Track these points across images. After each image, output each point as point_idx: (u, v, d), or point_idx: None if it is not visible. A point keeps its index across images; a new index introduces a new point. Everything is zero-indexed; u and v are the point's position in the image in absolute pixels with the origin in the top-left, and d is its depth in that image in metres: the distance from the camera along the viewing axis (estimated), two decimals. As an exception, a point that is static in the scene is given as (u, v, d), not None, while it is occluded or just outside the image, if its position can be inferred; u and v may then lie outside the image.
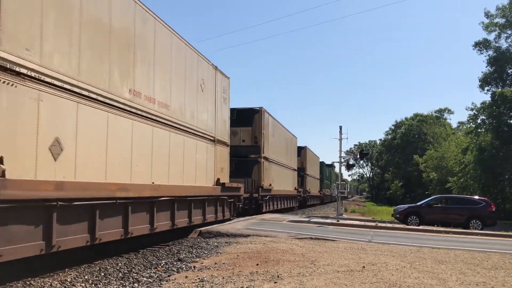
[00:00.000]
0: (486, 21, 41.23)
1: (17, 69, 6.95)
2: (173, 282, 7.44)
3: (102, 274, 8.18)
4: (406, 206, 25.61)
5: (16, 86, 6.97)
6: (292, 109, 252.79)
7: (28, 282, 7.30)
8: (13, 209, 6.84)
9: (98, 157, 9.10)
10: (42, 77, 7.48)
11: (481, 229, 20.63)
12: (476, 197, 26.01)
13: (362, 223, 21.50)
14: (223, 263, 9.18)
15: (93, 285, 7.36)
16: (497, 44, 41.37)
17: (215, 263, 9.21)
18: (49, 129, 7.68)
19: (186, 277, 7.83)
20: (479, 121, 40.38)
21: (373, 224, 20.77)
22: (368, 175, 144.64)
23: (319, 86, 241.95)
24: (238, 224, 16.99)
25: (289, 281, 7.42)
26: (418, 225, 21.03)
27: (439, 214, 22.17)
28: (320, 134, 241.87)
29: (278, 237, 13.81)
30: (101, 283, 7.48)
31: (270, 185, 26.38)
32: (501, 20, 40.60)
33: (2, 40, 6.69)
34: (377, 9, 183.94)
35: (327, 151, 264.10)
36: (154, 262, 9.53)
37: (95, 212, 8.92)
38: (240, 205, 20.40)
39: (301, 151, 41.06)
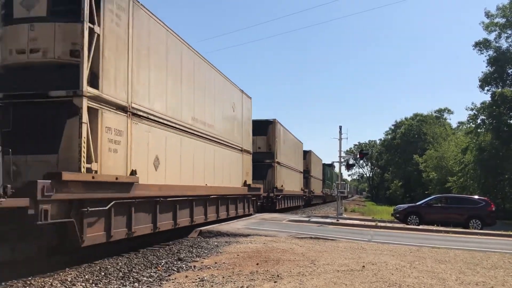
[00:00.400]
0: (486, 21, 41.25)
1: (139, 113, 10.85)
2: (173, 282, 7.46)
3: (103, 273, 8.20)
4: (406, 205, 25.62)
5: (138, 124, 10.81)
6: (291, 108, 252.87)
7: (28, 282, 7.31)
8: (139, 203, 10.79)
9: (176, 167, 13.06)
10: (150, 116, 11.44)
11: (480, 229, 20.63)
12: (476, 196, 26.01)
13: (362, 222, 21.51)
14: (223, 263, 9.20)
15: (93, 284, 7.37)
16: (497, 44, 41.41)
17: (215, 263, 9.23)
18: (153, 150, 11.59)
19: (187, 276, 7.85)
20: (479, 121, 40.39)
21: (373, 223, 20.78)
22: (368, 175, 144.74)
23: (319, 85, 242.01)
24: (238, 224, 17.01)
25: (289, 280, 7.43)
26: (418, 225, 21.04)
27: (439, 213, 22.18)
28: (319, 134, 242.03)
29: (278, 237, 13.83)
30: (101, 283, 7.49)
31: (282, 186, 29.64)
32: (501, 20, 40.61)
33: (134, 97, 10.63)
34: (377, 8, 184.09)
35: (326, 150, 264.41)
36: (154, 262, 9.55)
37: (176, 205, 12.98)
38: (260, 203, 24.78)
39: (306, 154, 44.27)
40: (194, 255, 10.54)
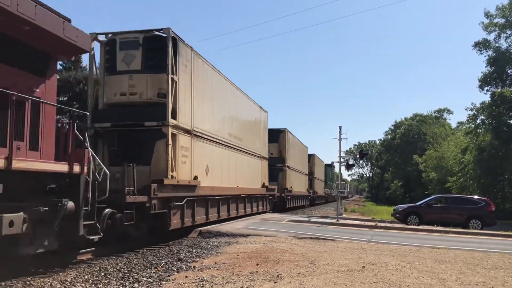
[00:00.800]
0: (486, 21, 41.24)
1: (197, 133, 14.71)
2: (173, 282, 7.45)
3: (102, 274, 8.18)
4: (405, 205, 25.63)
5: (196, 142, 14.58)
6: (291, 108, 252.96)
7: (28, 282, 7.30)
8: (199, 200, 14.79)
9: (218, 172, 17.09)
10: (203, 135, 15.33)
11: (480, 229, 20.64)
12: (476, 197, 26.02)
13: (362, 222, 21.50)
14: (223, 263, 9.19)
15: (93, 285, 7.37)
16: (496, 44, 41.38)
17: (215, 263, 9.22)
18: (205, 160, 15.52)
19: (186, 277, 7.84)
20: (478, 121, 40.40)
21: (373, 223, 20.77)
22: (367, 175, 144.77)
23: (318, 85, 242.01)
24: (238, 224, 17.01)
25: (289, 281, 7.42)
26: (418, 225, 21.04)
27: (439, 213, 22.18)
28: (319, 134, 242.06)
29: (278, 237, 13.82)
30: (101, 283, 7.48)
31: (291, 187, 33.24)
32: (501, 20, 40.59)
33: (194, 123, 14.34)
34: (377, 9, 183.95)
35: (326, 150, 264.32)
36: (154, 262, 9.54)
37: (219, 202, 17.27)
38: (273, 201, 28.79)
39: (311, 157, 47.84)
40: (194, 255, 10.53)
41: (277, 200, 30.18)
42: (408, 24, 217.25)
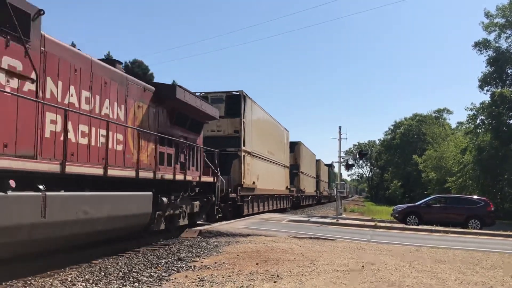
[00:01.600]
0: (486, 21, 41.24)
1: (253, 153, 22.75)
2: (173, 282, 7.47)
3: (103, 273, 8.20)
4: (405, 205, 25.66)
5: (252, 159, 22.59)
6: (291, 108, 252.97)
7: (28, 282, 7.32)
8: (255, 197, 23.91)
9: (263, 178, 24.76)
10: (255, 154, 23.28)
11: (480, 229, 20.66)
12: (475, 196, 26.05)
13: (362, 222, 21.53)
14: (223, 263, 9.21)
15: (93, 284, 7.38)
16: (497, 44, 41.36)
17: (215, 263, 9.24)
18: (256, 170, 23.53)
19: (186, 276, 7.86)
20: (478, 121, 40.38)
21: (372, 223, 20.79)
22: (367, 175, 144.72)
23: (318, 86, 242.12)
24: (238, 224, 17.02)
25: (289, 280, 7.45)
26: (417, 225, 21.07)
27: (438, 213, 22.21)
28: (319, 134, 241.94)
29: (278, 237, 13.84)
30: (101, 283, 7.50)
31: (304, 188, 41.82)
32: (501, 20, 40.58)
33: (252, 147, 22.47)
34: (376, 8, 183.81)
35: (325, 151, 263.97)
36: (154, 262, 9.55)
37: (264, 199, 26.43)
38: (292, 200, 37.48)
39: (317, 162, 53.68)
40: (194, 255, 10.54)
41: (295, 199, 37.98)
42: (408, 24, 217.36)
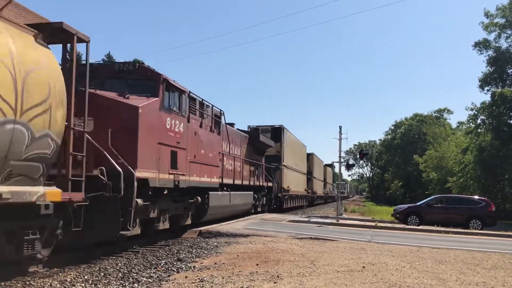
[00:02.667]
0: (486, 21, 41.21)
1: (287, 166, 31.56)
2: (173, 282, 7.44)
3: (102, 274, 8.17)
4: (406, 206, 25.64)
5: (287, 170, 31.19)
6: (291, 107, 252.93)
7: (28, 282, 7.29)
8: (289, 196, 33.03)
9: (293, 184, 33.32)
10: (288, 166, 31.76)
11: (481, 229, 20.63)
12: (476, 197, 26.01)
13: (362, 223, 21.50)
14: (223, 263, 9.18)
15: (93, 285, 7.35)
16: (497, 44, 41.33)
17: (215, 263, 9.21)
18: (288, 178, 31.56)
19: (186, 277, 7.83)
20: (479, 121, 40.34)
21: (373, 224, 20.76)
22: (368, 175, 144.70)
23: (318, 86, 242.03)
24: (238, 224, 16.97)
25: (289, 281, 7.41)
26: (418, 225, 21.03)
27: (439, 214, 22.17)
28: (319, 134, 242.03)
29: (278, 237, 13.80)
30: (101, 283, 7.47)
31: (316, 190, 49.04)
32: (501, 20, 40.55)
33: (286, 161, 30.79)
34: (377, 9, 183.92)
35: (326, 150, 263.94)
36: (154, 262, 9.51)
37: (294, 198, 35.74)
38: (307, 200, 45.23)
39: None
40: (194, 255, 10.50)
41: (310, 198, 45.91)
42: (408, 25, 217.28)
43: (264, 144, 24.79)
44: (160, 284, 7.38)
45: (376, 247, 12.27)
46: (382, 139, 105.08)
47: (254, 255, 10.14)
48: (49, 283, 7.25)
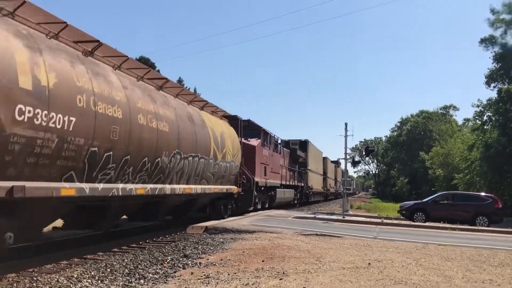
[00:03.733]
0: (492, 17, 40.89)
1: (311, 170, 39.92)
2: (178, 279, 7.46)
3: (108, 270, 8.20)
4: (412, 202, 25.55)
5: (310, 173, 39.42)
6: (297, 105, 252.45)
7: (35, 278, 7.34)
8: (313, 193, 42.58)
9: (315, 183, 43.17)
10: (311, 170, 39.64)
11: (487, 226, 20.53)
12: (483, 193, 25.89)
13: (368, 219, 21.45)
14: (229, 260, 9.19)
15: (99, 281, 7.38)
16: (503, 41, 40.90)
17: (221, 259, 9.23)
18: (312, 179, 40.41)
19: (192, 273, 7.85)
20: (485, 117, 40.09)
21: (379, 220, 20.71)
22: (373, 172, 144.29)
23: (324, 83, 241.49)
24: (243, 221, 16.99)
25: (295, 277, 7.41)
26: (424, 222, 20.97)
27: (445, 210, 22.09)
28: (325, 131, 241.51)
29: (284, 234, 13.80)
30: (107, 279, 7.50)
31: (329, 187, 56.32)
32: (507, 17, 40.19)
33: (310, 166, 38.71)
34: (382, 5, 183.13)
35: (331, 147, 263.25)
36: (160, 258, 9.54)
37: (315, 195, 44.78)
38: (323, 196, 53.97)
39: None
40: (200, 251, 10.53)
41: (325, 194, 53.95)
42: (413, 22, 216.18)
43: (298, 156, 34.56)
44: (166, 280, 7.41)
45: (382, 244, 12.25)
46: (388, 136, 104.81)
47: (259, 252, 10.15)
48: (56, 279, 7.30)
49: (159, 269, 8.41)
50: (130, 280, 7.46)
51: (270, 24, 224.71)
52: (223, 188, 16.79)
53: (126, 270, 8.23)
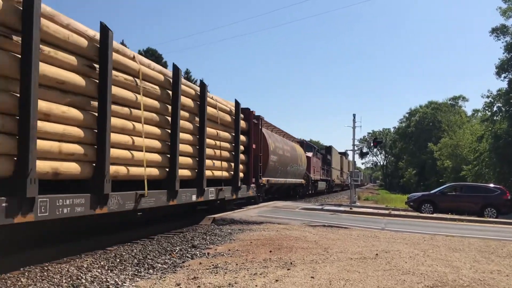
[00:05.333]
0: (504, 6, 40.46)
1: (333, 168, 53.42)
2: (187, 268, 7.53)
3: (118, 260, 8.30)
4: (420, 194, 25.49)
5: (332, 169, 52.24)
6: (305, 97, 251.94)
7: (46, 268, 7.45)
8: (334, 184, 57.29)
9: (335, 177, 55.08)
10: (333, 167, 53.08)
11: (496, 217, 20.47)
12: (491, 185, 25.78)
13: (376, 210, 21.45)
14: (237, 250, 9.25)
15: (108, 270, 7.47)
16: (515, 30, 40.55)
17: (229, 250, 9.29)
18: (334, 174, 53.70)
19: (200, 263, 7.92)
20: (495, 108, 39.85)
21: (387, 211, 20.71)
22: (381, 163, 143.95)
23: (333, 74, 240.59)
24: (251, 212, 17.04)
25: (302, 268, 7.46)
26: (432, 213, 20.94)
27: (453, 202, 22.03)
28: (333, 122, 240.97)
29: (291, 225, 13.85)
30: (116, 269, 7.59)
31: (344, 181, 62.34)
32: (520, 5, 39.76)
33: (332, 166, 52.36)
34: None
35: (339, 138, 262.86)
36: (168, 249, 9.63)
37: (336, 185, 59.62)
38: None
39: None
40: (208, 242, 10.60)
41: (341, 185, 63.99)
42: (423, 12, 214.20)
43: (327, 158, 47.79)
44: (175, 270, 7.48)
45: (389, 235, 12.26)
46: (397, 127, 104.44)
47: (267, 242, 10.20)
48: (66, 268, 7.39)
49: (168, 259, 8.50)
50: (140, 270, 7.54)
51: (277, 14, 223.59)
52: (300, 180, 31.74)
53: (135, 260, 8.32)
